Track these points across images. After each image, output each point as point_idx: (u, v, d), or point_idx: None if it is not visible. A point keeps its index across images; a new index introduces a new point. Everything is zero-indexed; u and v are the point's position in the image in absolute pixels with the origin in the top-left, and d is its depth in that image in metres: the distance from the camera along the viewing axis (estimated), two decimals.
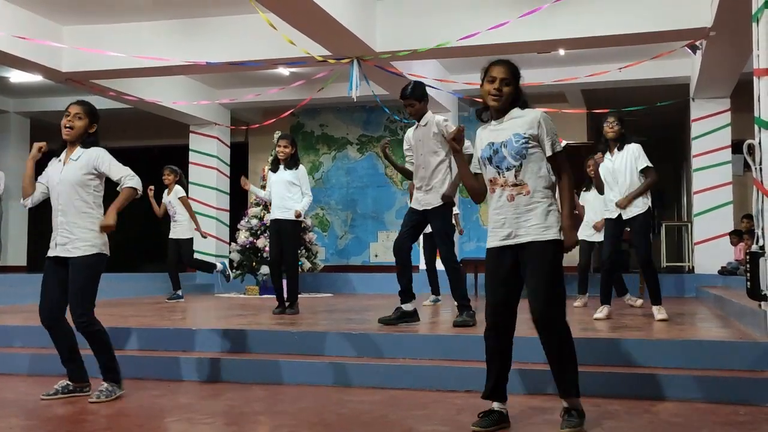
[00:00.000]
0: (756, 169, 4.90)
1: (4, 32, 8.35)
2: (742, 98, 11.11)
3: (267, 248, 10.19)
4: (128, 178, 4.26)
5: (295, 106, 11.14)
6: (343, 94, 9.27)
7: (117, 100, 11.04)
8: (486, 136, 3.51)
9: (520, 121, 3.43)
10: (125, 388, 4.33)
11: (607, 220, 6.33)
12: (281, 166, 6.95)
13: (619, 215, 6.14)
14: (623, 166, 6.11)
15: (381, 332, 5.17)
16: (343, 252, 14.10)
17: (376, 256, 13.85)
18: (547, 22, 8.07)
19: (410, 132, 5.75)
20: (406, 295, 5.54)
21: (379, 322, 5.49)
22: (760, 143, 4.87)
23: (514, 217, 3.38)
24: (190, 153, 13.10)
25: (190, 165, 12.92)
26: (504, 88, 3.40)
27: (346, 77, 8.97)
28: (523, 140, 3.37)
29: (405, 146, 5.79)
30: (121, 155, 4.64)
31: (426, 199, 5.54)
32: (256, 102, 12.43)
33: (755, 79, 4.93)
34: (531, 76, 10.44)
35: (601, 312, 6.29)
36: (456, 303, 5.60)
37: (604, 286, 6.46)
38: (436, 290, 8.34)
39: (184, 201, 9.14)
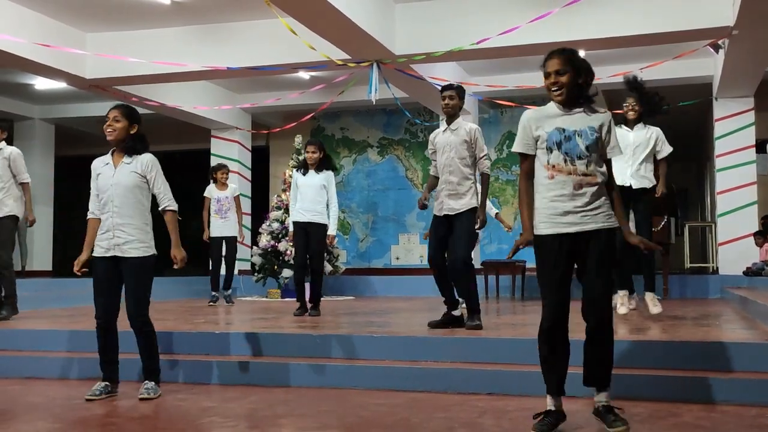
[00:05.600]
0: None
1: (29, 40, 8.48)
2: (766, 97, 10.99)
3: (288, 252, 10.22)
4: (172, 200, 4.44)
5: (315, 110, 11.18)
6: (363, 98, 9.30)
7: (139, 106, 11.11)
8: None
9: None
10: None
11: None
12: (311, 170, 6.99)
13: (630, 185, 6.00)
14: (643, 141, 6.12)
15: (403, 335, 5.18)
16: (364, 255, 14.12)
17: (398, 258, 13.85)
18: (567, 23, 8.04)
19: (436, 134, 5.69)
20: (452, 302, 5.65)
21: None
22: None
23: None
24: (212, 157, 13.20)
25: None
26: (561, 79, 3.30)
27: (366, 80, 9.00)
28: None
29: (430, 149, 5.72)
30: None
31: (450, 204, 5.50)
32: (276, 106, 12.49)
33: None
34: None
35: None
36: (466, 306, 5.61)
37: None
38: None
39: None
